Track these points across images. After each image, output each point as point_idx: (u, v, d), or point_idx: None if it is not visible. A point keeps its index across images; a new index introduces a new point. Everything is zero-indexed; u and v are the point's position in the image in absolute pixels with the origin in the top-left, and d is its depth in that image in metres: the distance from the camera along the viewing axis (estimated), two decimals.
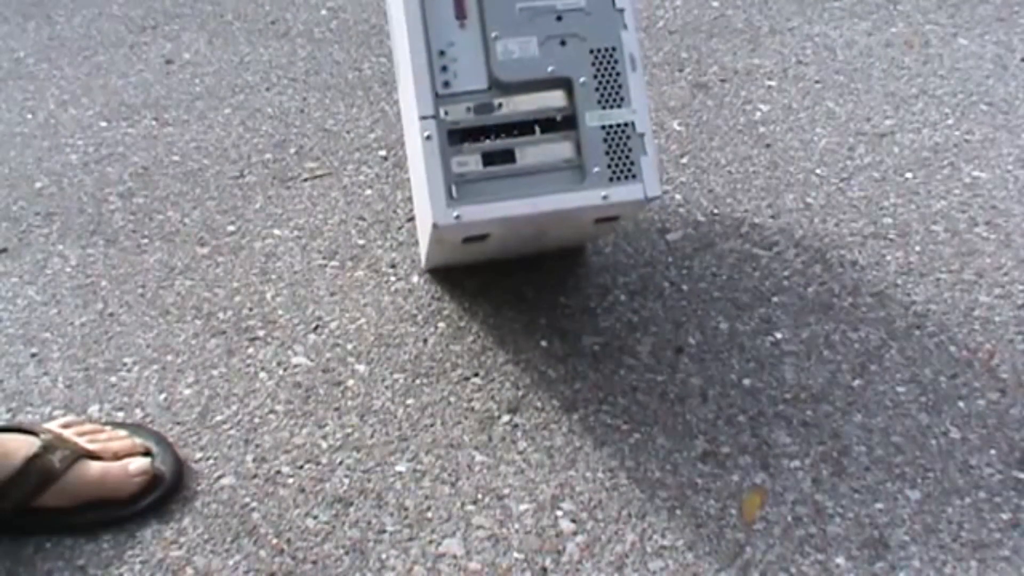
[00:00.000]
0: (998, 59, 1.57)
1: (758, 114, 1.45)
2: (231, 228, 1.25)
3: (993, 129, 1.40)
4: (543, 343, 1.06)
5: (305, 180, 1.34)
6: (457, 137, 0.89)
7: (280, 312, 1.11)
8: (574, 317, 1.09)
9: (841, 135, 1.39)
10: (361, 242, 1.22)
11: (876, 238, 1.20)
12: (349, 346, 1.07)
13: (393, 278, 1.16)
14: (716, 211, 1.25)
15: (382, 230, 1.24)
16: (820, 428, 0.97)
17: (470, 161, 0.90)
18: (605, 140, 0.90)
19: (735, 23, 1.70)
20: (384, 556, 0.85)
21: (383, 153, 1.39)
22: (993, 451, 0.94)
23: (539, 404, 0.99)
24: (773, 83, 1.52)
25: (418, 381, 1.02)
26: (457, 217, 0.88)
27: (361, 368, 1.04)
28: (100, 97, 1.56)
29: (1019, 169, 1.32)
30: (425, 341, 1.07)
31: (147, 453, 0.91)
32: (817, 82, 1.52)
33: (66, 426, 0.91)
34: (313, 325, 1.09)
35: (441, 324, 1.09)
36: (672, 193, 1.28)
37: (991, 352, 1.04)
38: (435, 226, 0.89)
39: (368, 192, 1.31)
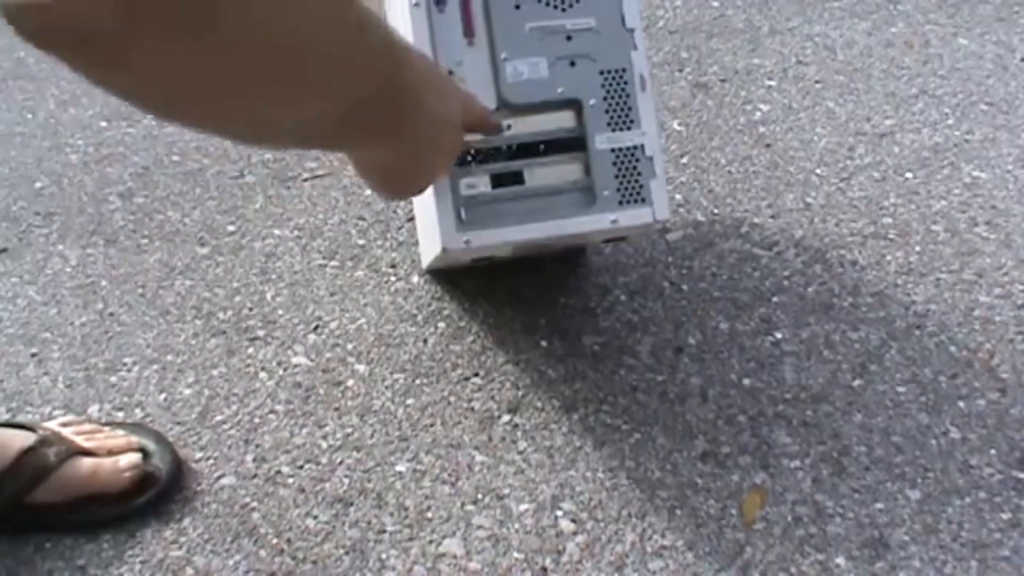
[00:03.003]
0: (998, 59, 1.57)
1: (758, 114, 1.45)
2: (231, 228, 1.25)
3: (993, 129, 1.40)
4: (543, 343, 1.06)
5: (305, 180, 1.34)
6: (465, 159, 0.89)
7: (280, 312, 1.11)
8: (574, 317, 1.09)
9: (841, 135, 1.39)
10: (361, 242, 1.22)
11: (876, 238, 1.20)
12: (349, 346, 1.07)
13: (393, 278, 1.16)
14: (716, 211, 1.25)
15: (382, 230, 1.24)
16: (820, 428, 0.97)
17: (479, 183, 0.89)
18: (614, 163, 0.90)
19: (735, 23, 1.70)
20: (384, 556, 0.85)
21: None
22: (993, 451, 0.94)
23: (539, 404, 0.99)
24: (773, 83, 1.52)
25: (418, 381, 1.02)
26: (467, 242, 0.87)
27: (361, 368, 1.04)
28: (100, 97, 1.56)
29: (1019, 169, 1.32)
30: (425, 341, 1.07)
31: (142, 451, 0.91)
32: (817, 82, 1.52)
33: (65, 425, 0.91)
34: (313, 325, 1.09)
35: (441, 324, 1.09)
36: (672, 193, 1.28)
37: (991, 352, 1.04)
38: (444, 250, 0.88)
39: (368, 192, 1.30)
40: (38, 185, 1.35)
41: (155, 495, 0.89)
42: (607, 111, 0.90)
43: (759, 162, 1.34)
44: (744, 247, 1.19)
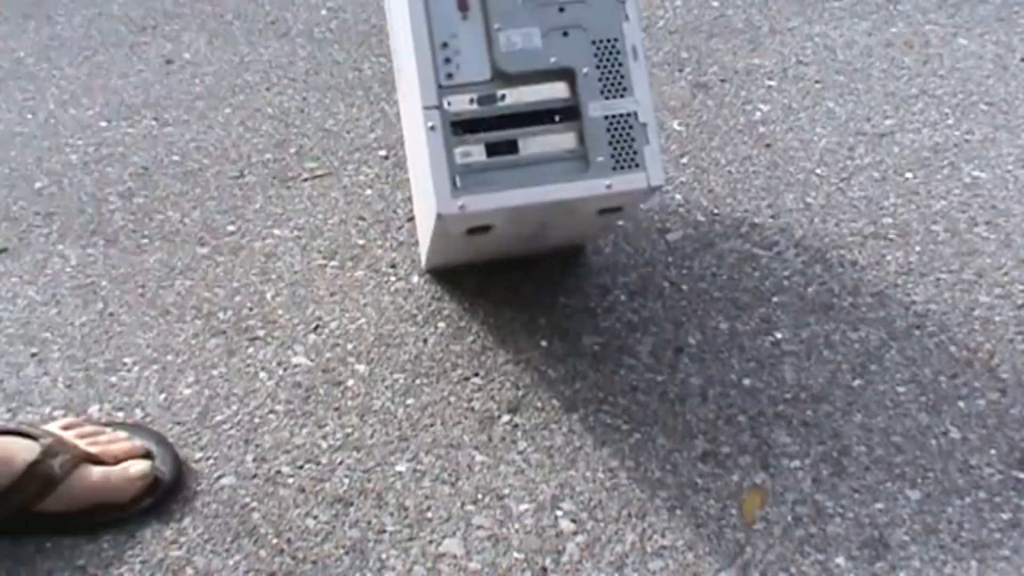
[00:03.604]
0: (998, 59, 1.57)
1: (758, 114, 1.45)
2: (231, 228, 1.25)
3: (993, 129, 1.40)
4: (543, 343, 1.06)
5: (305, 180, 1.34)
6: (460, 128, 0.89)
7: (280, 312, 1.11)
8: (574, 317, 1.10)
9: (841, 135, 1.39)
10: (361, 242, 1.22)
11: (876, 238, 1.20)
12: (349, 346, 1.07)
13: (393, 278, 1.16)
14: (716, 211, 1.25)
15: (382, 230, 1.24)
16: (820, 428, 0.97)
17: (473, 151, 0.90)
18: (608, 130, 0.90)
19: (735, 23, 1.70)
20: (384, 556, 0.85)
21: (383, 153, 1.39)
22: (993, 451, 0.94)
23: (539, 404, 0.99)
24: (773, 83, 1.52)
25: (418, 381, 1.02)
26: (461, 207, 0.88)
27: (361, 368, 1.04)
28: (100, 97, 1.56)
29: (1019, 169, 1.32)
30: (425, 341, 1.07)
31: (147, 455, 0.91)
32: (817, 82, 1.52)
33: (67, 427, 0.91)
34: (313, 325, 1.09)
35: (441, 324, 1.09)
36: (672, 193, 1.28)
37: (991, 352, 1.04)
38: (439, 216, 0.89)
39: (368, 192, 1.31)
40: (38, 185, 1.35)
41: (157, 498, 0.89)
42: (600, 79, 0.91)
43: (759, 162, 1.34)
44: (744, 247, 1.19)
